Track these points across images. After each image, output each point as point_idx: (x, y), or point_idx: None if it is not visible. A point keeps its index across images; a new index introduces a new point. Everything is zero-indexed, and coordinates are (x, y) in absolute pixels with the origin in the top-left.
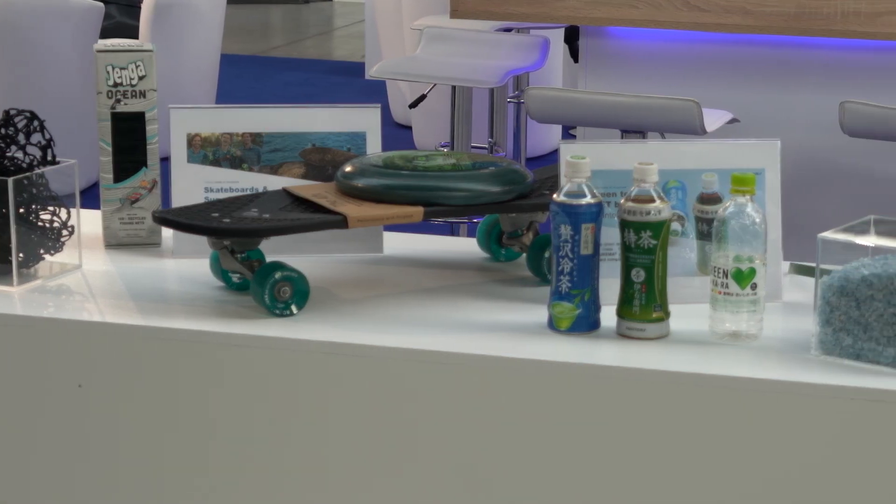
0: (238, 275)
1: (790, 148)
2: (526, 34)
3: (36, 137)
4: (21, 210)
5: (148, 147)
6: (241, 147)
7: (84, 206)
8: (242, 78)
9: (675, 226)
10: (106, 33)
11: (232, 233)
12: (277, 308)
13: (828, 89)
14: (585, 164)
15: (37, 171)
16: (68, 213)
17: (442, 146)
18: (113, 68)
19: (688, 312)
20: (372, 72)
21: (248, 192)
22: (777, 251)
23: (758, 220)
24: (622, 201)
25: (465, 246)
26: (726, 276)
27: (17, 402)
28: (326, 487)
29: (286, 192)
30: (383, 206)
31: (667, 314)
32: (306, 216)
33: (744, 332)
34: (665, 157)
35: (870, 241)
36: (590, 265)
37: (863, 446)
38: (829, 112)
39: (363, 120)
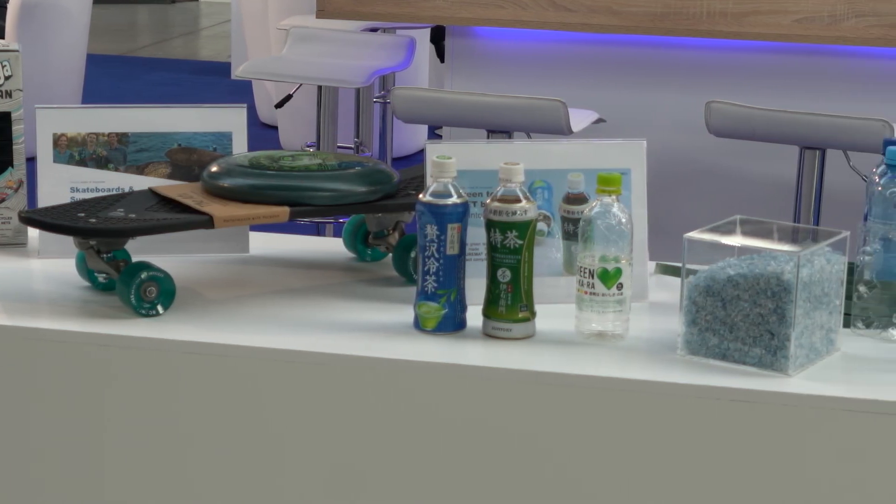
0: (104, 275)
1: (656, 148)
2: (392, 34)
3: None
4: None
5: (14, 147)
6: (107, 147)
7: None
8: (108, 78)
9: (541, 226)
10: None
11: (98, 233)
12: (143, 308)
13: (693, 89)
14: (451, 164)
15: None
16: None
17: (308, 146)
18: None
19: (554, 312)
20: (238, 72)
21: (115, 192)
22: (643, 251)
23: (624, 220)
24: (488, 201)
25: (331, 246)
26: (592, 276)
27: None
28: (192, 486)
29: (152, 192)
30: (249, 206)
31: (533, 314)
32: (172, 216)
33: (610, 332)
34: (531, 157)
35: (735, 240)
36: (456, 265)
37: (728, 446)
38: (694, 112)
39: (229, 120)
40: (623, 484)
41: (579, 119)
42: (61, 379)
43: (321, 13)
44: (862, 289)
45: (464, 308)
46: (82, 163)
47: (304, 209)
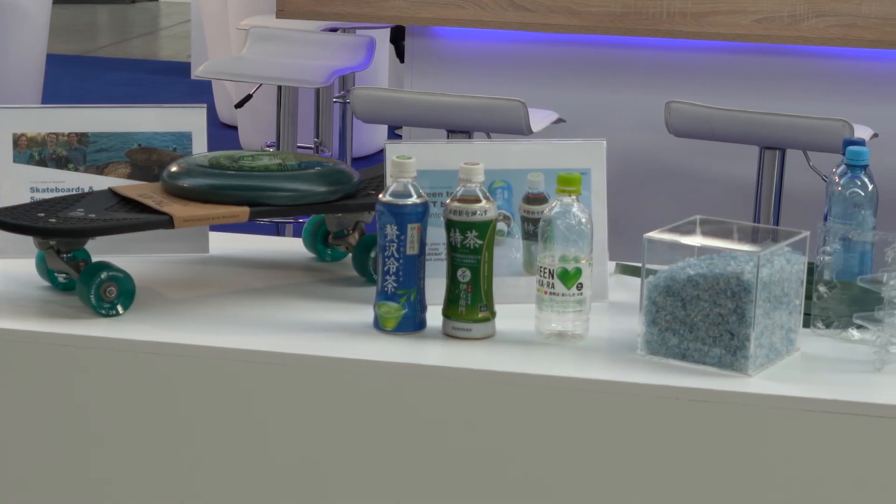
0: (64, 275)
1: (616, 148)
2: (352, 34)
3: None
4: None
5: None
6: (67, 147)
7: None
8: (68, 78)
9: (501, 226)
10: None
11: (58, 233)
12: (103, 308)
13: (653, 89)
14: (411, 164)
15: None
16: None
17: (268, 146)
18: None
19: (514, 312)
20: (198, 72)
21: (75, 192)
22: (603, 251)
23: (584, 220)
24: (448, 201)
25: (291, 246)
26: (552, 276)
27: None
28: (153, 484)
29: (112, 192)
30: (209, 206)
31: (493, 314)
32: (132, 216)
33: (570, 332)
34: (491, 157)
35: (695, 240)
36: (416, 265)
37: (688, 446)
38: (654, 112)
39: (189, 120)
40: (583, 483)
41: (539, 119)
42: (21, 379)
43: (281, 13)
44: (822, 289)
45: (423, 308)
46: (42, 163)
47: (263, 209)
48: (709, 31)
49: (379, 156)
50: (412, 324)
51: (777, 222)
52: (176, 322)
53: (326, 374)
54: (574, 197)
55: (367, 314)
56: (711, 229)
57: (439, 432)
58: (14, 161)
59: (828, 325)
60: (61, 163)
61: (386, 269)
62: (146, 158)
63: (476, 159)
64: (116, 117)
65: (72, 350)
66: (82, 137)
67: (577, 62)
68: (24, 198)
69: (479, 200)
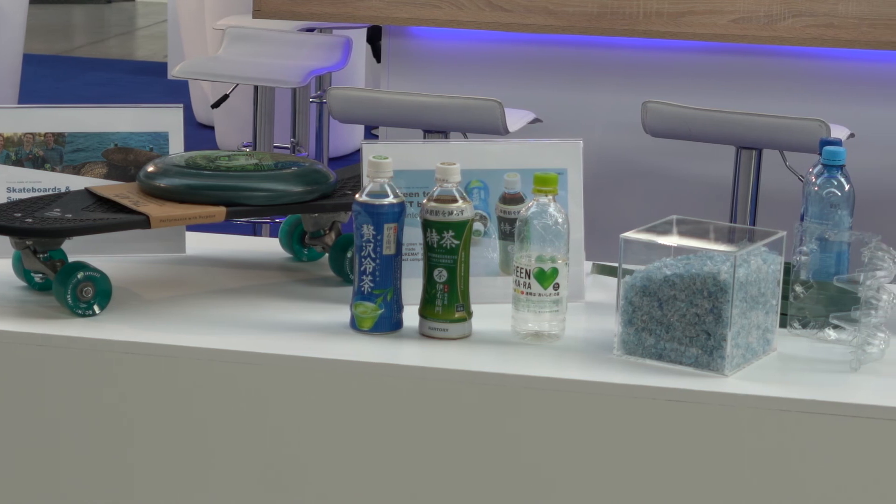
0: (41, 275)
1: (593, 148)
2: (328, 34)
3: None
4: None
5: None
6: (44, 147)
7: None
8: (45, 78)
9: (478, 226)
10: None
11: (34, 233)
12: (80, 308)
13: (630, 89)
14: (388, 164)
15: None
16: None
17: (244, 146)
18: None
19: (490, 312)
20: (174, 72)
21: (51, 192)
22: (580, 251)
23: (560, 220)
24: (424, 201)
25: (268, 246)
26: (528, 276)
27: None
28: (128, 485)
29: (89, 192)
30: (186, 206)
31: (469, 314)
32: (109, 216)
33: (546, 332)
34: (467, 157)
35: (672, 241)
36: (392, 265)
37: (664, 446)
38: (631, 112)
39: (165, 120)
40: (559, 483)
41: (516, 119)
42: None
43: (258, 13)
44: (798, 289)
45: (400, 308)
46: (19, 163)
47: (240, 209)
48: (685, 31)
49: (355, 156)
50: (389, 324)
51: (753, 222)
52: (152, 322)
53: (303, 374)
54: (551, 197)
55: (343, 314)
56: (688, 229)
57: (416, 432)
58: None
59: (804, 326)
60: (38, 163)
61: (362, 268)
62: (123, 158)
63: (452, 159)
64: (93, 117)
65: (48, 350)
66: (59, 137)
67: (553, 62)
68: (0, 198)
69: (455, 200)
